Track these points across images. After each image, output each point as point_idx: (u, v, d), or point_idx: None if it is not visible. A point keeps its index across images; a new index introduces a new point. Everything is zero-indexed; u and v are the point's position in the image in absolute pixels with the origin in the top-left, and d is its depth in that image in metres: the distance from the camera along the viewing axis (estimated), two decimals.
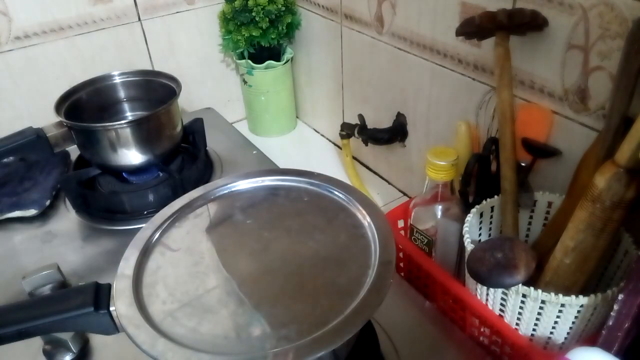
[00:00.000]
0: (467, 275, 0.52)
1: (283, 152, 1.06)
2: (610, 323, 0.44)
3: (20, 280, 0.56)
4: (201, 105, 1.09)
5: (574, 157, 0.56)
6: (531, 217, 0.62)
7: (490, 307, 0.54)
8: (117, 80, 0.86)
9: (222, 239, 0.49)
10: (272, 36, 0.96)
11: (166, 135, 0.81)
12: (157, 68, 0.99)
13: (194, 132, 0.88)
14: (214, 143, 0.92)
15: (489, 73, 0.65)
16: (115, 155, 0.77)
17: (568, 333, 0.50)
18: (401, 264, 0.67)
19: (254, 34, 0.95)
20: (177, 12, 0.99)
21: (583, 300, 0.46)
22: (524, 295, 0.48)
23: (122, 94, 0.87)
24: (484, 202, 0.60)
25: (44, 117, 0.84)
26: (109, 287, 0.43)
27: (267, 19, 0.94)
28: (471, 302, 0.55)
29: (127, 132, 0.75)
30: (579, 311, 0.48)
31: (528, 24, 0.55)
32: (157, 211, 0.51)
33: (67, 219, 0.78)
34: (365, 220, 0.48)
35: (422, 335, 0.57)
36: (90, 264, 0.70)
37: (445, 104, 0.74)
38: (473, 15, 0.57)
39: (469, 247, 0.53)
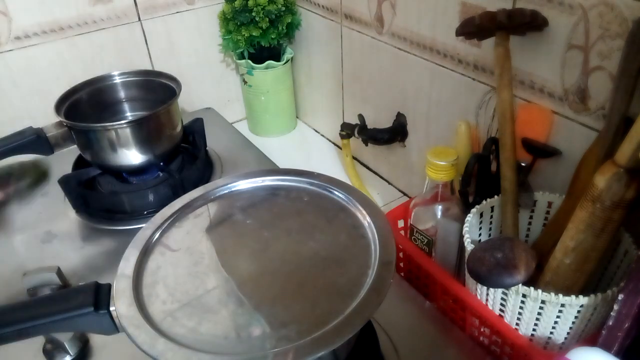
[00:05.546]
0: (467, 275, 0.52)
1: (283, 152, 1.06)
2: (610, 323, 0.44)
3: (20, 280, 0.56)
4: (201, 105, 1.09)
5: (574, 157, 0.56)
6: (531, 217, 0.62)
7: (490, 307, 0.54)
8: (117, 80, 0.86)
9: (222, 239, 0.49)
10: (272, 36, 0.96)
11: (166, 135, 0.81)
12: (157, 68, 0.99)
13: (194, 132, 0.88)
14: (214, 143, 0.92)
15: (489, 73, 0.65)
16: (115, 155, 0.77)
17: (568, 333, 0.50)
18: (401, 264, 0.67)
19: (254, 34, 0.95)
20: (177, 12, 0.99)
21: (583, 300, 0.46)
22: (524, 295, 0.48)
23: (122, 94, 0.87)
24: (484, 202, 0.60)
25: (44, 117, 0.84)
26: (109, 287, 0.43)
27: (267, 19, 0.94)
28: (471, 302, 0.55)
29: (127, 132, 0.75)
30: (579, 311, 0.48)
31: (528, 24, 0.55)
32: (157, 211, 0.51)
33: (67, 219, 0.78)
34: (365, 220, 0.48)
35: (422, 335, 0.57)
36: (90, 264, 0.70)
37: (445, 104, 0.74)
38: (473, 15, 0.57)
39: (469, 247, 0.53)
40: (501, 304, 0.52)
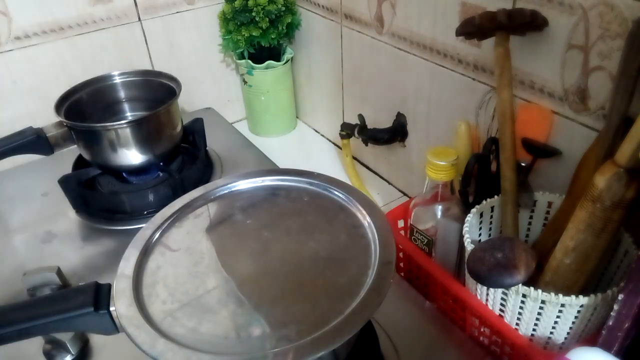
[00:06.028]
0: (467, 275, 0.52)
1: (283, 152, 1.06)
2: (610, 323, 0.44)
3: (20, 279, 0.56)
4: (201, 105, 1.09)
5: (574, 157, 0.56)
6: (531, 217, 0.62)
7: (490, 307, 0.54)
8: (117, 80, 0.86)
9: (222, 239, 0.49)
10: (272, 36, 0.96)
11: (166, 135, 0.81)
12: (157, 68, 0.99)
13: (194, 132, 0.88)
14: (214, 143, 0.92)
15: (489, 73, 0.65)
16: (115, 155, 0.77)
17: (568, 333, 0.50)
18: (401, 264, 0.67)
19: (254, 34, 0.95)
20: (177, 12, 0.99)
21: (583, 300, 0.46)
22: (524, 295, 0.48)
23: (122, 94, 0.87)
24: (484, 202, 0.60)
25: (44, 117, 0.84)
26: (109, 287, 0.43)
27: (267, 19, 0.94)
28: (471, 302, 0.55)
29: (127, 132, 0.75)
30: (579, 311, 0.48)
31: (528, 24, 0.55)
32: (157, 211, 0.51)
33: (67, 219, 0.78)
34: (365, 220, 0.48)
35: (422, 335, 0.57)
36: (90, 264, 0.70)
37: (445, 104, 0.74)
38: (473, 15, 0.57)
39: (469, 247, 0.53)
40: (501, 304, 0.52)
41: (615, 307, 0.43)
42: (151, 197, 0.78)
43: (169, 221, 0.50)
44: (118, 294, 0.42)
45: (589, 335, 0.50)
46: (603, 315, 0.48)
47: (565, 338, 0.50)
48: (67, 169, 0.82)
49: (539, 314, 0.49)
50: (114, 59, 0.96)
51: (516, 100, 0.62)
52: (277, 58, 1.02)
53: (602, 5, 0.50)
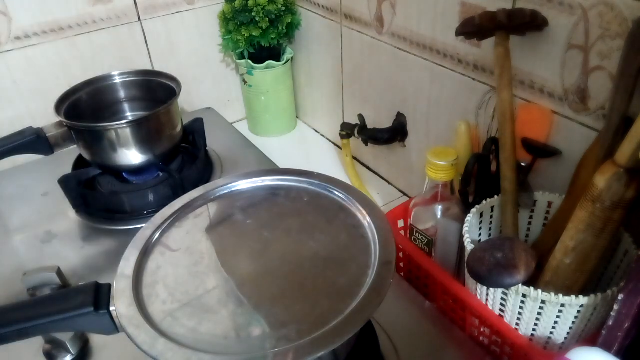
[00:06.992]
0: (467, 275, 0.52)
1: (283, 152, 1.06)
2: (610, 323, 0.44)
3: (20, 279, 0.56)
4: (201, 105, 1.09)
5: (574, 157, 0.56)
6: (531, 217, 0.62)
7: (490, 307, 0.54)
8: (117, 80, 0.86)
9: (222, 239, 0.49)
10: (272, 36, 0.96)
11: (166, 135, 0.81)
12: (157, 68, 0.99)
13: (194, 132, 0.89)
14: (214, 143, 0.92)
15: (489, 73, 0.65)
16: (115, 155, 0.77)
17: (568, 333, 0.50)
18: (401, 264, 0.67)
19: (254, 34, 0.95)
20: (177, 12, 0.99)
21: (583, 300, 0.46)
22: (524, 295, 0.48)
23: (122, 94, 0.87)
24: (484, 202, 0.60)
25: (44, 117, 0.84)
26: (109, 287, 0.43)
27: (267, 19, 0.94)
28: (471, 302, 0.55)
29: (127, 132, 0.75)
30: (579, 311, 0.48)
31: (528, 24, 0.55)
32: (157, 211, 0.51)
33: (67, 219, 0.78)
34: (365, 220, 0.48)
35: (422, 335, 0.57)
36: (90, 264, 0.70)
37: (445, 104, 0.74)
38: (473, 15, 0.57)
39: (469, 247, 0.53)
40: (501, 304, 0.52)
41: (615, 307, 0.43)
42: (151, 197, 0.78)
43: (169, 221, 0.50)
44: (118, 294, 0.42)
45: (589, 335, 0.50)
46: (603, 315, 0.48)
47: (565, 338, 0.50)
48: (67, 169, 0.82)
49: (539, 314, 0.49)
50: (114, 59, 0.96)
51: (516, 100, 0.62)
52: (277, 58, 1.02)
53: (602, 5, 0.50)
